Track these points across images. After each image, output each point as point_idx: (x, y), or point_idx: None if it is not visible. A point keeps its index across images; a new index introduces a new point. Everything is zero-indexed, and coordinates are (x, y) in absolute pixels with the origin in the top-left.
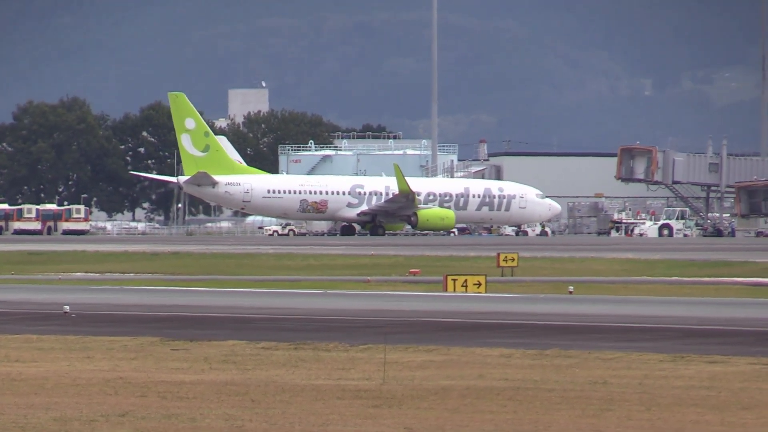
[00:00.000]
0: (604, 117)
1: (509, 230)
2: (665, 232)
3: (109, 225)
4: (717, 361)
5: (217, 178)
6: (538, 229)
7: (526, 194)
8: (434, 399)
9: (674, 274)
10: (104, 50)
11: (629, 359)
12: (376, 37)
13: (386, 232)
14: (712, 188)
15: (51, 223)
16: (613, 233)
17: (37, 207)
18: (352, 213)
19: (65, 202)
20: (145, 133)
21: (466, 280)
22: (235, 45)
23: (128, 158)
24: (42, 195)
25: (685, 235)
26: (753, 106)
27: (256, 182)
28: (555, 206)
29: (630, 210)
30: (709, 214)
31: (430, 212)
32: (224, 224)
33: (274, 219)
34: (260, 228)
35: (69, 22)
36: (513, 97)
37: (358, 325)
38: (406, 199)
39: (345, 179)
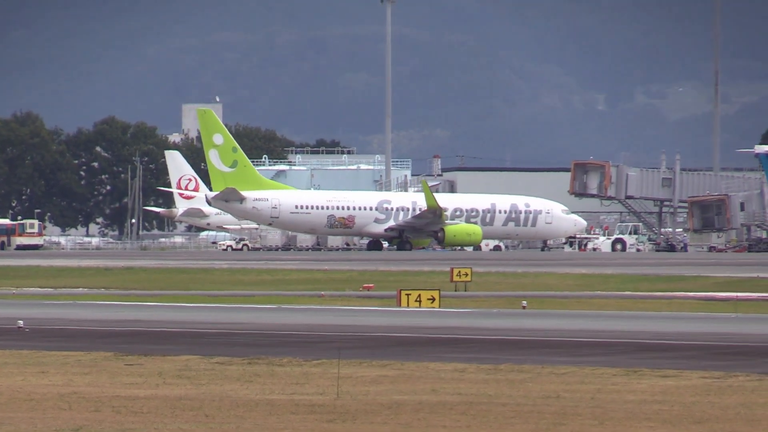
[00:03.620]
0: (557, 131)
1: None
2: (618, 246)
3: (63, 240)
4: (669, 376)
5: (244, 193)
6: (491, 244)
7: (552, 210)
8: (388, 413)
9: (627, 288)
10: (58, 64)
11: (582, 373)
12: (330, 52)
13: (413, 247)
14: (665, 203)
15: (4, 238)
16: (567, 248)
17: None
18: (380, 228)
19: (18, 217)
20: (98, 148)
21: (419, 295)
22: (189, 60)
23: (82, 173)
24: None
25: (638, 250)
26: (706, 121)
27: (283, 198)
28: (580, 222)
29: None
30: (662, 229)
31: (457, 228)
32: (178, 239)
33: (228, 234)
34: (214, 243)
35: (22, 36)
36: (467, 111)
37: (312, 340)
38: (433, 215)
39: (372, 194)
